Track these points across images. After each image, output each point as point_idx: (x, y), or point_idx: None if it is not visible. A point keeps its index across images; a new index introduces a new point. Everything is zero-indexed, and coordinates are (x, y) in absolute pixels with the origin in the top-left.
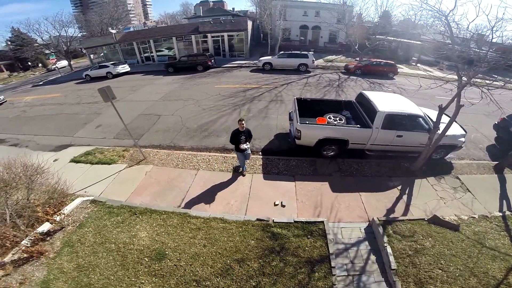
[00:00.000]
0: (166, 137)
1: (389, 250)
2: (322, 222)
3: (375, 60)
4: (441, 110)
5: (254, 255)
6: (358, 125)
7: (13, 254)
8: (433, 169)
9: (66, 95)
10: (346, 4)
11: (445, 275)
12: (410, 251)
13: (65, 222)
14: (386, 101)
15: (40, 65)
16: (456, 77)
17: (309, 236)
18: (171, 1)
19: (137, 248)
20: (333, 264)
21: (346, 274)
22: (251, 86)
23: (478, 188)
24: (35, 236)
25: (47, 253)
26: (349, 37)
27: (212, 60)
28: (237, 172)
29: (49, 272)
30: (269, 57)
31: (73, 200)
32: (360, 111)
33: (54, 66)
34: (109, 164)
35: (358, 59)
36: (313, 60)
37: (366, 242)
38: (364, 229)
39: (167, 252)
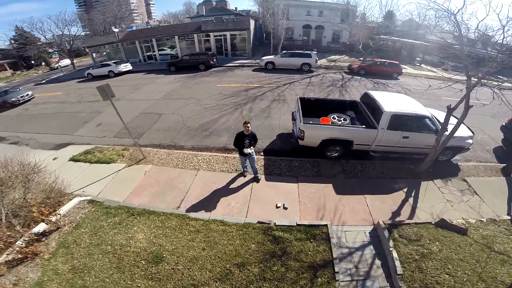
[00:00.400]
0: (166, 136)
1: (395, 254)
2: (326, 225)
3: (379, 60)
4: (450, 111)
5: (254, 259)
6: (363, 126)
7: (7, 254)
8: (439, 171)
9: (67, 94)
10: (349, 3)
11: (452, 280)
12: (417, 255)
13: (62, 222)
14: (392, 101)
15: (43, 63)
16: (465, 77)
17: (312, 240)
18: (174, 0)
19: (133, 251)
20: (336, 269)
21: (350, 279)
22: (253, 85)
23: (485, 191)
24: (29, 237)
25: (42, 254)
26: (353, 37)
27: (214, 59)
28: (243, 176)
29: (43, 274)
30: (272, 57)
31: (71, 200)
32: (365, 111)
33: (57, 65)
34: (108, 163)
35: (361, 59)
36: (316, 60)
37: (371, 246)
38: (369, 232)
39: (164, 255)
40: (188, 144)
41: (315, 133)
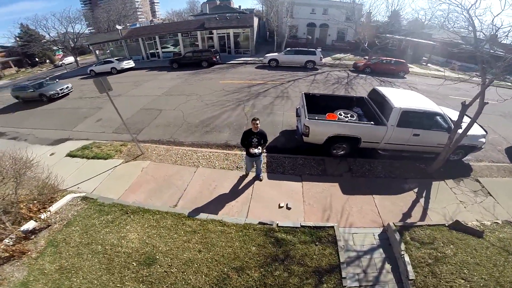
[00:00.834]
0: (166, 132)
1: (406, 258)
2: (332, 227)
3: (385, 58)
4: (465, 107)
5: (255, 263)
6: (372, 122)
7: None
8: (450, 171)
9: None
10: (355, 1)
11: (468, 285)
12: (430, 259)
13: (52, 220)
14: (402, 97)
15: (47, 61)
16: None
17: (317, 243)
18: None
19: (125, 251)
20: (343, 274)
21: (358, 285)
22: (256, 82)
23: (499, 192)
24: (17, 235)
25: (29, 252)
26: (358, 35)
27: (217, 56)
28: (246, 175)
29: (29, 273)
30: (275, 54)
31: (64, 196)
32: (373, 108)
33: (61, 62)
34: (106, 159)
35: (367, 57)
36: (321, 57)
37: (381, 250)
38: (378, 235)
39: (157, 257)
40: (188, 140)
41: (321, 129)
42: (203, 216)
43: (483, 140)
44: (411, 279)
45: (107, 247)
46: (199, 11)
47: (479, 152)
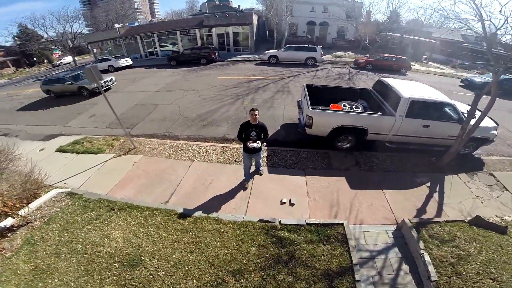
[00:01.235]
0: (161, 126)
1: (427, 258)
2: (342, 224)
3: (387, 55)
4: (478, 97)
5: (254, 265)
6: (380, 113)
7: None
8: (462, 165)
9: None
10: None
11: (498, 285)
12: (452, 258)
13: (32, 216)
14: (409, 87)
15: (45, 61)
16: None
17: (325, 242)
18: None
19: (107, 251)
20: (357, 277)
21: None
22: (256, 77)
23: None
24: None
25: (3, 251)
26: (359, 32)
27: (216, 53)
28: (244, 188)
29: (0, 274)
30: (275, 50)
31: (48, 192)
32: (379, 99)
33: (59, 62)
34: (96, 153)
35: (367, 55)
36: (321, 54)
37: (396, 249)
38: (392, 232)
39: (143, 258)
40: (183, 134)
41: (325, 120)
42: (196, 213)
43: (495, 132)
44: (433, 281)
45: (87, 246)
46: (198, 11)
47: (489, 146)
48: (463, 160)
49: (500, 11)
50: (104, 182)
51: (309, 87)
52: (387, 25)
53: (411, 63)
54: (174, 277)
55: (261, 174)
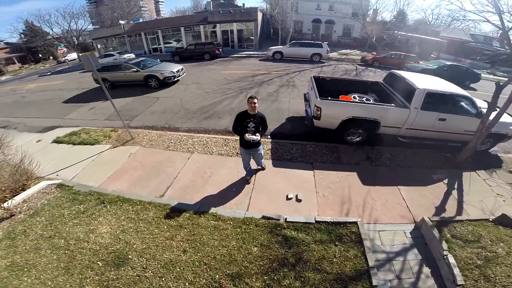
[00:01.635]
0: (161, 118)
1: (451, 260)
2: (355, 223)
3: (395, 52)
4: (500, 87)
5: (256, 268)
6: (393, 104)
7: None
8: (479, 162)
9: (68, 82)
10: None
11: None
12: (479, 260)
13: (18, 209)
14: (423, 79)
15: (51, 57)
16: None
17: (337, 243)
18: None
19: (91, 247)
20: (374, 282)
21: None
22: (260, 72)
23: None
24: None
25: None
26: (365, 29)
27: (220, 49)
28: (247, 182)
29: None
30: (280, 46)
31: (37, 183)
32: (391, 92)
33: (64, 58)
34: (92, 144)
35: (374, 53)
36: (327, 50)
37: (415, 250)
38: (410, 232)
39: (130, 256)
40: (184, 126)
41: (334, 111)
42: (193, 208)
43: None
44: (459, 285)
45: (70, 242)
46: (203, 9)
47: (505, 143)
48: (480, 157)
49: None
50: (98, 174)
51: (317, 79)
52: (394, 23)
53: (420, 61)
54: (163, 279)
55: (264, 169)
